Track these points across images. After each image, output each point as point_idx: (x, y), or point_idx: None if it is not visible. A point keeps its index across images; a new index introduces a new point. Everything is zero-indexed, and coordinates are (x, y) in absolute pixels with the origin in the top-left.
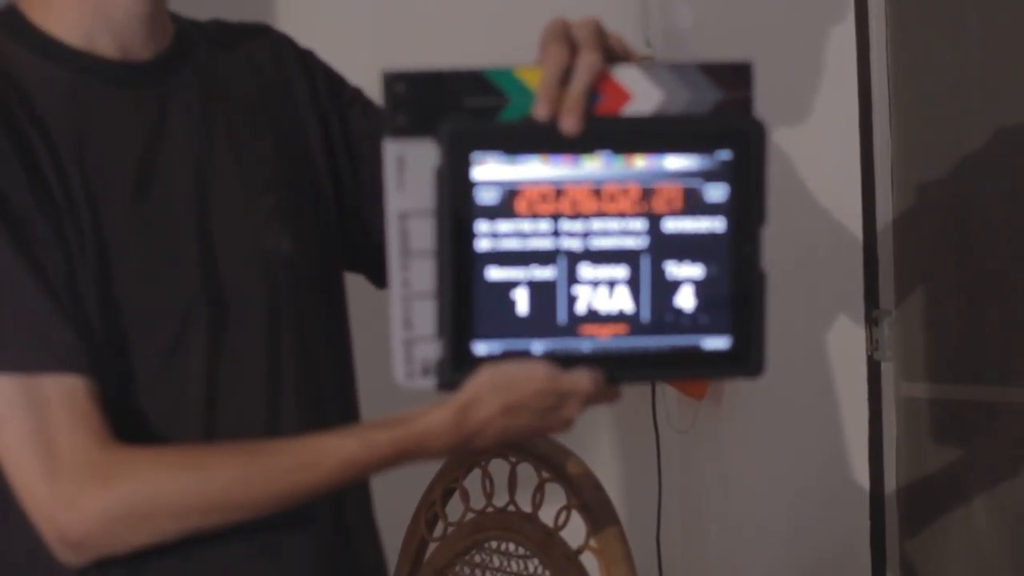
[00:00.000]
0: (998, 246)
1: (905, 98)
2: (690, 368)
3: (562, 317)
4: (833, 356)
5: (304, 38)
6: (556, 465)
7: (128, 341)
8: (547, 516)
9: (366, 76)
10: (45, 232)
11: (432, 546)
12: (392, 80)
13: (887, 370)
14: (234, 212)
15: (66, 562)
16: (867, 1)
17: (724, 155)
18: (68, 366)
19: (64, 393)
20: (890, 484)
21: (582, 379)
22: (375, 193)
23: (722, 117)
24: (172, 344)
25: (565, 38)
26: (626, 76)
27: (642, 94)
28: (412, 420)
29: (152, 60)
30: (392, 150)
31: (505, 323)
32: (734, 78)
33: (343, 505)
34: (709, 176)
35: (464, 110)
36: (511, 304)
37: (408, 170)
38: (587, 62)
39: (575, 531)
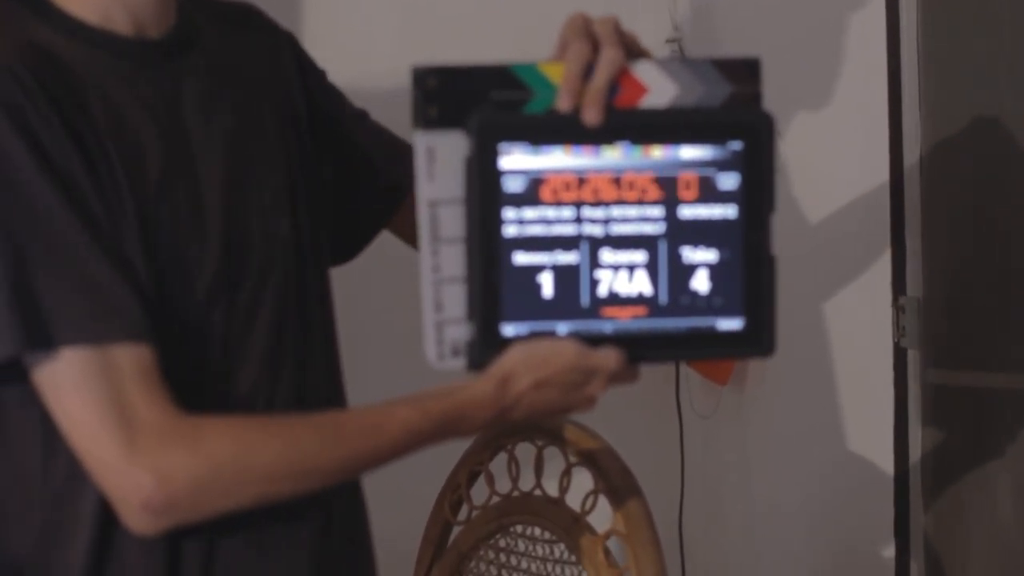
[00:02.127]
0: None
1: (935, 84)
2: (706, 348)
3: (585, 300)
4: (859, 343)
5: (331, 34)
6: (584, 449)
7: (164, 312)
8: (574, 501)
9: (391, 70)
10: (99, 204)
11: (456, 529)
12: (422, 75)
13: (913, 357)
14: (247, 191)
15: (140, 530)
16: None
17: (736, 145)
18: (137, 335)
19: (135, 361)
20: (915, 471)
21: (608, 357)
22: (356, 172)
23: (733, 110)
24: (198, 319)
25: (586, 34)
26: (643, 70)
27: (658, 88)
28: (457, 391)
29: (163, 39)
30: (423, 141)
31: (531, 306)
32: (744, 72)
33: (331, 505)
34: (722, 166)
35: (491, 103)
36: (537, 287)
37: (438, 161)
38: (609, 57)
39: (602, 516)
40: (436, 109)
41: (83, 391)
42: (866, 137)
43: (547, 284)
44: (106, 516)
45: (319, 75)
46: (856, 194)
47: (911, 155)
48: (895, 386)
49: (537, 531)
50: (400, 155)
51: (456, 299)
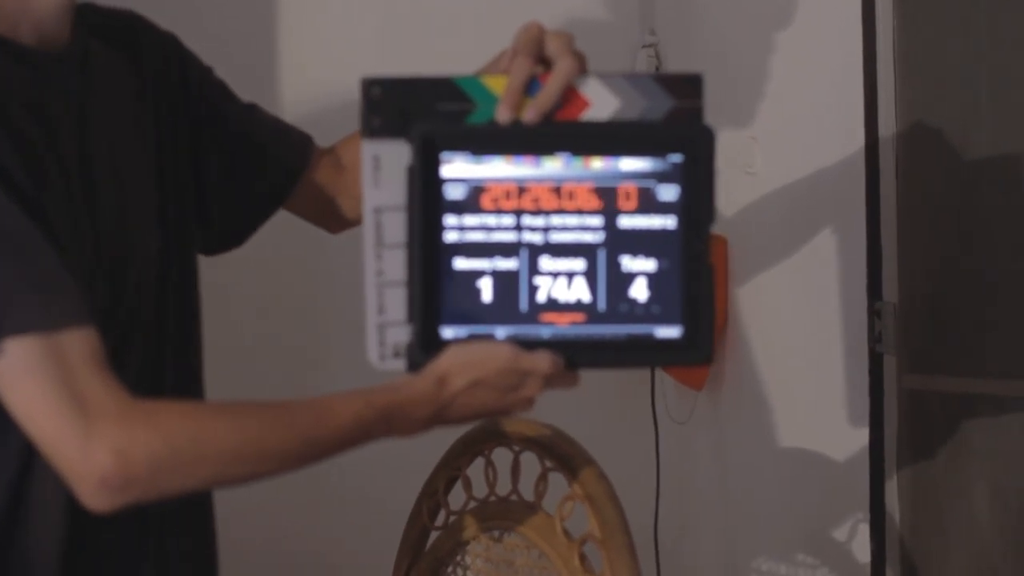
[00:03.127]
0: (1002, 238)
1: (911, 90)
2: (644, 355)
3: (523, 305)
4: (835, 348)
5: (309, 39)
6: (560, 455)
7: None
8: (550, 506)
9: (366, 65)
10: (33, 193)
11: (434, 534)
12: (369, 85)
13: (889, 362)
14: (128, 208)
15: (97, 507)
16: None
17: (676, 158)
18: (83, 319)
19: (84, 345)
20: (891, 476)
21: (542, 360)
22: (248, 161)
23: (674, 123)
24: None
25: (536, 47)
26: (586, 85)
27: (600, 102)
28: (399, 387)
29: (64, 49)
30: (369, 149)
31: (470, 310)
32: (686, 88)
33: (207, 512)
34: (662, 177)
35: (435, 113)
36: (476, 292)
37: (383, 168)
38: (563, 67)
39: (578, 521)
40: (381, 119)
41: (36, 378)
42: (842, 141)
43: (486, 289)
44: (68, 503)
45: (204, 72)
46: (831, 198)
47: (887, 159)
48: (871, 391)
49: (514, 536)
50: (293, 142)
51: (398, 302)
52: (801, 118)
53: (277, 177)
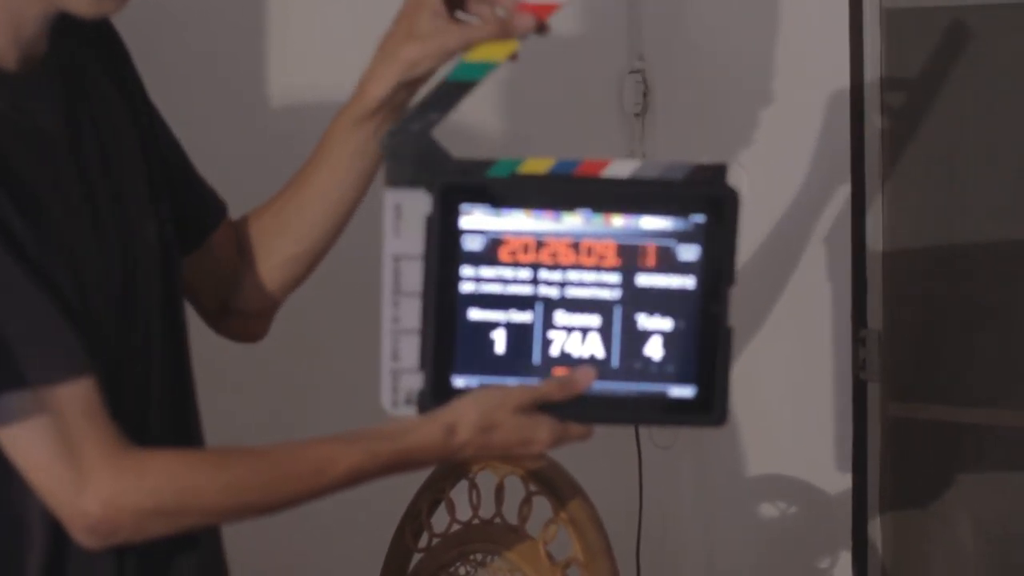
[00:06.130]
0: (987, 267)
1: (897, 117)
2: (656, 413)
3: (536, 358)
4: (819, 375)
5: (299, 45)
6: (544, 478)
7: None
8: (534, 529)
9: (354, 78)
10: (27, 233)
11: (417, 557)
12: (392, 135)
13: (873, 390)
14: (132, 206)
15: (88, 547)
16: (862, 21)
17: (698, 219)
18: (79, 369)
19: (79, 398)
20: (874, 503)
21: (551, 411)
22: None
23: (698, 183)
24: (106, 334)
25: None
26: None
27: (618, 160)
28: (404, 434)
29: (46, 61)
30: (391, 198)
31: (483, 360)
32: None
33: (218, 530)
34: (683, 237)
35: (456, 164)
36: (490, 343)
37: (404, 217)
38: None
39: (561, 545)
40: (403, 168)
41: (31, 431)
42: (828, 168)
43: (500, 340)
44: (60, 531)
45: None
46: (817, 226)
47: (873, 188)
48: (855, 419)
49: (497, 559)
50: (212, 194)
51: (413, 350)
52: (787, 144)
53: (194, 222)
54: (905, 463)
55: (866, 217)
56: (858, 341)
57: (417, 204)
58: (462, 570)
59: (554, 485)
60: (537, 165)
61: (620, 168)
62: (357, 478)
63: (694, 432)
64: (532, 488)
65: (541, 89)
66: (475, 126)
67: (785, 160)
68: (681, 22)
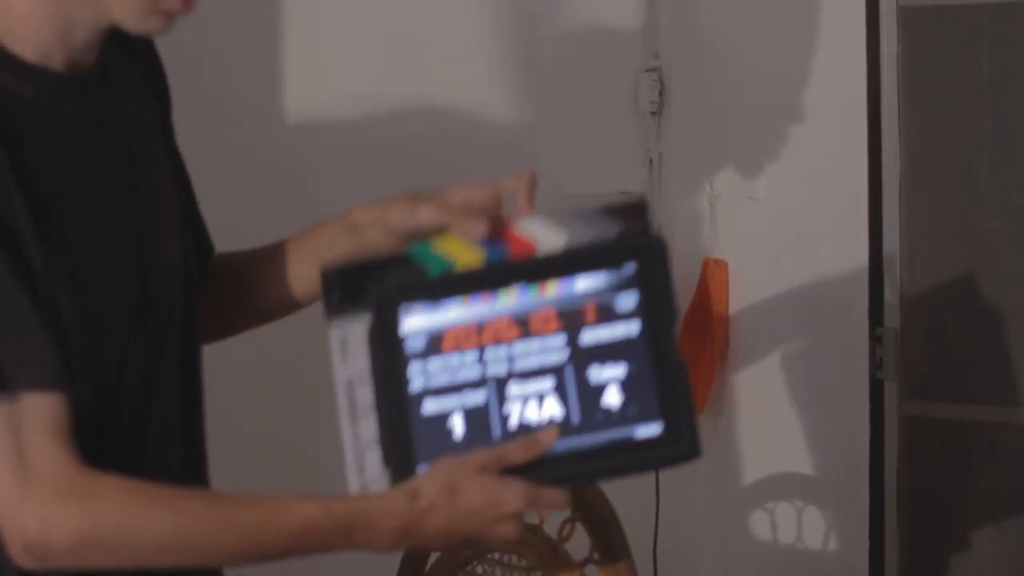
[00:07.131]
0: (1003, 266)
1: (914, 116)
2: (628, 457)
3: (496, 433)
4: (836, 374)
5: (313, 57)
6: None
7: (87, 352)
8: (551, 528)
9: (374, 94)
10: (35, 247)
11: (433, 556)
12: (328, 272)
13: (890, 388)
14: (152, 223)
15: (25, 567)
16: (879, 19)
17: (630, 268)
18: (50, 384)
19: (44, 411)
20: (891, 503)
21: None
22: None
23: (623, 238)
24: (119, 358)
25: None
26: (528, 228)
27: (546, 242)
28: (365, 497)
29: (91, 72)
30: (336, 332)
31: (444, 448)
32: (632, 214)
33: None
34: (619, 287)
35: (390, 282)
36: (448, 432)
37: (349, 346)
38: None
39: (579, 544)
40: (341, 297)
41: None
42: (845, 167)
43: (458, 426)
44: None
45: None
46: (835, 226)
47: (890, 187)
48: (871, 417)
49: (515, 558)
50: (205, 228)
51: (377, 460)
52: (804, 144)
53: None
54: (922, 462)
55: (883, 215)
56: (875, 340)
57: (360, 330)
58: (479, 569)
59: None
60: (470, 260)
61: (551, 243)
62: (313, 535)
63: (710, 432)
64: None
65: (557, 87)
66: (491, 125)
67: (802, 158)
68: (697, 21)
